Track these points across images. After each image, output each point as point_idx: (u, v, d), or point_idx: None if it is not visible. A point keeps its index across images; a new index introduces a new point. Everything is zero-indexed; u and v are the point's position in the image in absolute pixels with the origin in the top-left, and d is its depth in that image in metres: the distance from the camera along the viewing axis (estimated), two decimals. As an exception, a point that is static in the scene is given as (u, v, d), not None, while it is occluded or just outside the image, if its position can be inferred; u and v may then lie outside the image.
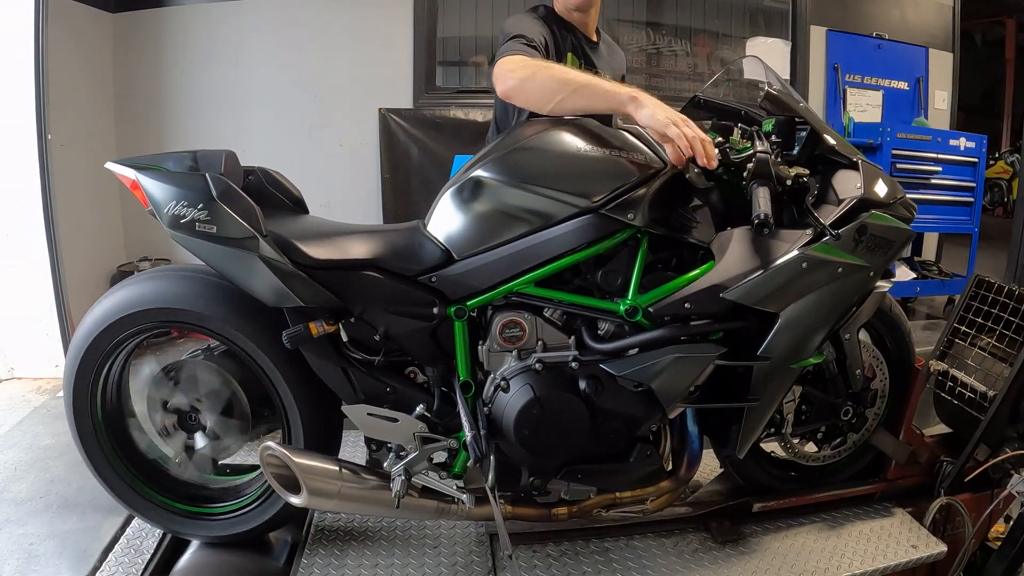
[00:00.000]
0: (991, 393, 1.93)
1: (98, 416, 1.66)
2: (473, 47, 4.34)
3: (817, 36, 4.75)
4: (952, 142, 4.42)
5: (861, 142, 4.18)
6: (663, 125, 1.43)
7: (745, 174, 1.45)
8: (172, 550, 1.74)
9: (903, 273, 4.43)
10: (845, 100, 4.82)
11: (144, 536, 1.78)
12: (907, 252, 4.60)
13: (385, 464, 1.56)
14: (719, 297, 1.46)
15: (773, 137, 1.58)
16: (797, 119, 1.61)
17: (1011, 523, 1.90)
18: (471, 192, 1.51)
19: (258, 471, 1.72)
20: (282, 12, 3.95)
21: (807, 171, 1.53)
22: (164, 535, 1.76)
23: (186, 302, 1.55)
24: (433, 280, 1.51)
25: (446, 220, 1.53)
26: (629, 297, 1.48)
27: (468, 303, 1.51)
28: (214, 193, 1.42)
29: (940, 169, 4.35)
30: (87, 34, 3.64)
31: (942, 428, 2.19)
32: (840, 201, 1.52)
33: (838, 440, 1.91)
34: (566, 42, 1.96)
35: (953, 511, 1.94)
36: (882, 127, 4.26)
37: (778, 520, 1.87)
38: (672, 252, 1.56)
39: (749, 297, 1.46)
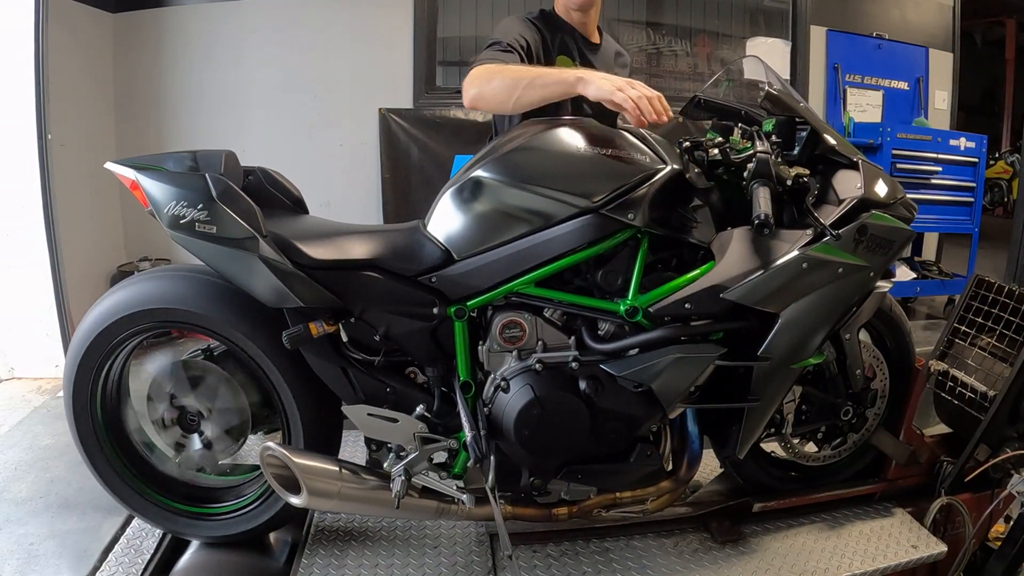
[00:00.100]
0: (991, 393, 1.93)
1: (98, 416, 1.66)
2: (473, 47, 4.32)
3: (817, 36, 4.75)
4: (952, 142, 4.42)
5: (861, 142, 4.18)
6: (610, 93, 1.50)
7: (745, 174, 1.44)
8: (172, 550, 1.74)
9: (903, 273, 4.43)
10: (845, 100, 4.82)
11: (144, 536, 1.78)
12: (907, 252, 4.60)
13: (385, 464, 1.56)
14: (719, 297, 1.46)
15: (773, 137, 1.58)
16: (797, 119, 1.61)
17: (1011, 523, 1.90)
18: (471, 192, 1.51)
19: (258, 471, 1.72)
20: (282, 12, 3.94)
21: (807, 171, 1.52)
22: (164, 535, 1.76)
23: (186, 302, 1.55)
24: (433, 280, 1.51)
25: (446, 220, 1.53)
26: (629, 297, 1.48)
27: (468, 303, 1.51)
28: (214, 193, 1.42)
29: (940, 169, 4.35)
30: (87, 34, 3.64)
31: (942, 428, 2.19)
32: (840, 201, 1.52)
33: (838, 440, 1.91)
34: (557, 43, 1.96)
35: (953, 511, 1.94)
36: (882, 127, 4.27)
37: (778, 520, 1.87)
38: (672, 252, 1.56)
39: (749, 297, 1.46)
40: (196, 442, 1.64)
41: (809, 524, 1.87)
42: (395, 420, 1.54)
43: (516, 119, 1.87)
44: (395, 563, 1.66)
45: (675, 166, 1.50)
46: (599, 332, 1.53)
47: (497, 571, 1.66)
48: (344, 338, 1.56)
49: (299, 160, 3.76)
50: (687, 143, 1.56)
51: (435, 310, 1.51)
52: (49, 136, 3.06)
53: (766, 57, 1.89)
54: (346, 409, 1.57)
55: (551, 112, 1.79)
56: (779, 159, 1.52)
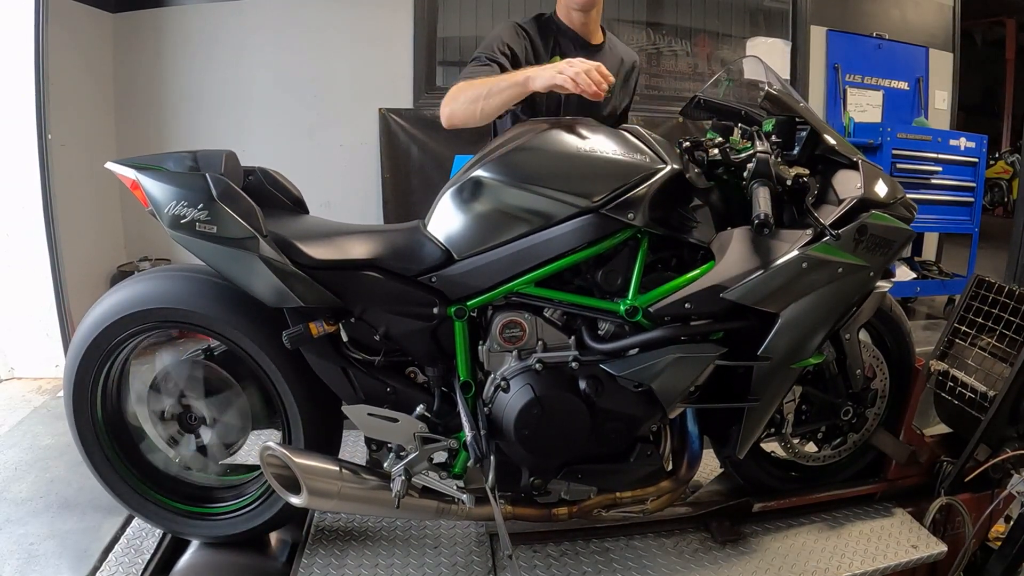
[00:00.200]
0: (991, 393, 1.93)
1: (98, 416, 1.65)
2: (473, 47, 4.29)
3: (817, 36, 4.76)
4: (952, 142, 4.42)
5: (861, 142, 4.18)
6: (552, 79, 1.55)
7: (745, 174, 1.45)
8: (172, 550, 1.74)
9: (903, 273, 4.43)
10: (845, 100, 4.83)
11: (144, 536, 1.77)
12: (907, 252, 4.60)
13: (385, 464, 1.56)
14: (719, 297, 1.46)
15: (773, 137, 1.58)
16: (797, 119, 1.61)
17: (1011, 523, 1.90)
18: (471, 192, 1.51)
19: (258, 471, 1.72)
20: (282, 12, 3.94)
21: (807, 171, 1.53)
22: (164, 535, 1.76)
23: (186, 302, 1.55)
24: (433, 280, 1.51)
25: (446, 220, 1.53)
26: (629, 297, 1.48)
27: (468, 303, 1.51)
28: (214, 193, 1.42)
29: (940, 169, 4.35)
30: (87, 34, 3.64)
31: (942, 428, 2.19)
32: (840, 201, 1.52)
33: (838, 440, 1.91)
34: (550, 47, 1.97)
35: (953, 511, 1.94)
36: (882, 127, 4.27)
37: (778, 520, 1.87)
38: (672, 252, 1.56)
39: (749, 297, 1.46)
40: (191, 443, 1.64)
41: (809, 524, 1.87)
42: (395, 420, 1.54)
43: (516, 119, 1.87)
44: (395, 563, 1.66)
45: (675, 166, 1.51)
46: (599, 332, 1.53)
47: (497, 571, 1.66)
48: (344, 338, 1.56)
49: (299, 160, 3.75)
50: (687, 143, 1.56)
51: (435, 310, 1.51)
52: (49, 136, 3.06)
53: (766, 57, 1.89)
54: (346, 409, 1.57)
55: (529, 112, 1.84)
56: (779, 159, 1.52)
